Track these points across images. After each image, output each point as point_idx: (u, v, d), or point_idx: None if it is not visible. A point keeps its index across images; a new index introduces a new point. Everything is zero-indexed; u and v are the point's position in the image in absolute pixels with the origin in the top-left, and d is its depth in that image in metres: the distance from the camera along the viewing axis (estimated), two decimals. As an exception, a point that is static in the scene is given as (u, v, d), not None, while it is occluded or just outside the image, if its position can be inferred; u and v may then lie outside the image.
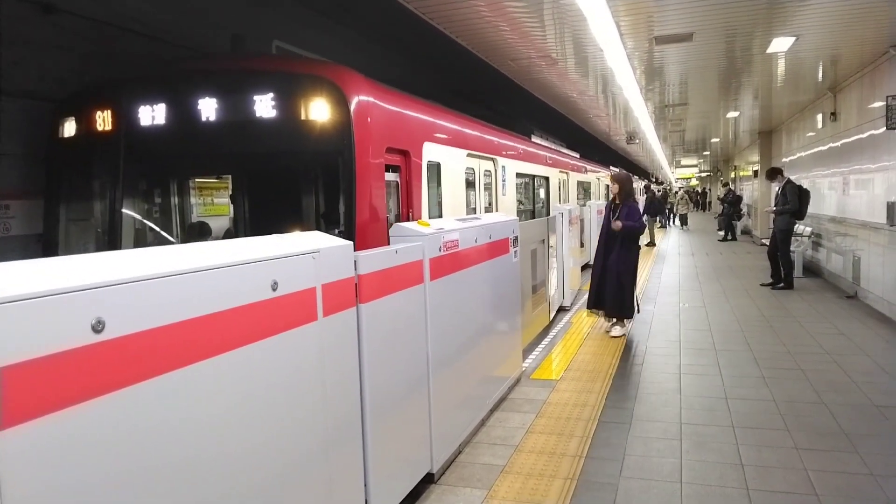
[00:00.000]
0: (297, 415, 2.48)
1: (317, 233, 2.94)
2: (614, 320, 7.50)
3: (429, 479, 3.78)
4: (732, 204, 20.51)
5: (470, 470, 4.00)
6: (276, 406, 2.35)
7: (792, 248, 10.99)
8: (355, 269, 2.93)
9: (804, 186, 10.80)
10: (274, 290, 2.31)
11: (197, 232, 5.84)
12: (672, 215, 29.25)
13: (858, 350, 6.54)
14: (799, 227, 12.02)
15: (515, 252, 5.74)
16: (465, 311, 4.47)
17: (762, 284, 10.82)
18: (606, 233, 7.45)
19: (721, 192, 24.06)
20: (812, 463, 3.96)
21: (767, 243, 11.43)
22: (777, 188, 10.71)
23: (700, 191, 45.66)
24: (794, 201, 10.24)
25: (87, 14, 5.74)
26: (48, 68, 5.46)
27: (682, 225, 26.69)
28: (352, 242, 2.93)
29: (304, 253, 2.54)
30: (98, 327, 1.61)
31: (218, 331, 2.04)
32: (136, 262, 1.85)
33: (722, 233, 20.44)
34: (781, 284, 10.49)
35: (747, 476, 3.82)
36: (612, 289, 7.28)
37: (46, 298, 1.51)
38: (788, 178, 10.67)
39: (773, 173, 10.96)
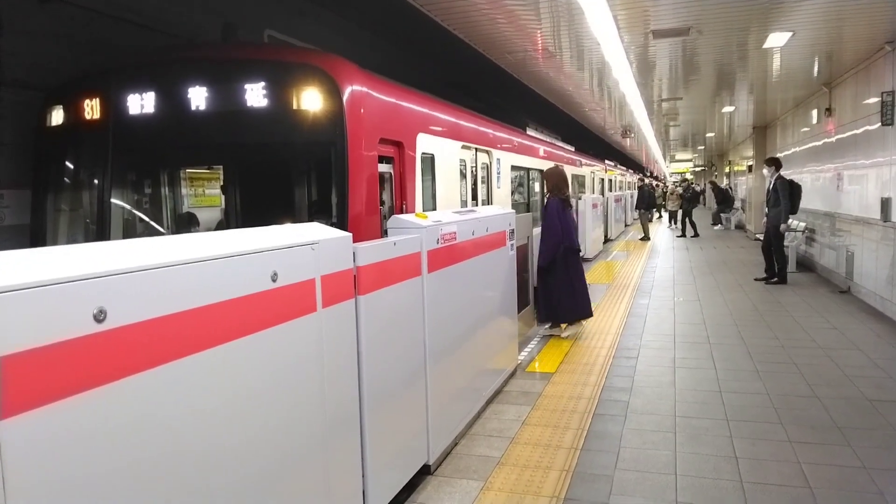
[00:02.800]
0: (296, 405, 2.48)
1: (316, 224, 2.93)
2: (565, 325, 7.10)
3: (425, 471, 3.79)
4: (690, 200, 20.99)
5: (466, 461, 4.02)
6: (276, 396, 2.35)
7: (785, 243, 11.04)
8: (354, 260, 2.93)
9: (795, 181, 10.82)
10: (274, 280, 2.31)
11: (185, 223, 5.80)
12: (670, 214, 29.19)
13: (851, 344, 6.59)
14: (792, 222, 12.06)
15: (512, 245, 5.74)
16: (462, 303, 4.47)
17: (756, 279, 10.87)
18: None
19: (680, 188, 24.42)
20: (805, 456, 4.00)
21: (762, 237, 11.48)
22: (769, 182, 10.71)
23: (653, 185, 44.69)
24: (787, 201, 10.25)
25: (81, 3, 5.68)
26: (42, 58, 5.40)
27: (670, 221, 26.61)
28: (350, 234, 2.93)
29: (303, 244, 2.53)
30: (100, 317, 1.61)
31: (219, 321, 2.04)
32: (137, 251, 1.84)
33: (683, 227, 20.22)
34: (775, 279, 10.54)
35: (741, 468, 3.85)
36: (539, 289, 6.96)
37: (48, 287, 1.50)
38: (780, 174, 10.66)
39: (772, 161, 10.90)
